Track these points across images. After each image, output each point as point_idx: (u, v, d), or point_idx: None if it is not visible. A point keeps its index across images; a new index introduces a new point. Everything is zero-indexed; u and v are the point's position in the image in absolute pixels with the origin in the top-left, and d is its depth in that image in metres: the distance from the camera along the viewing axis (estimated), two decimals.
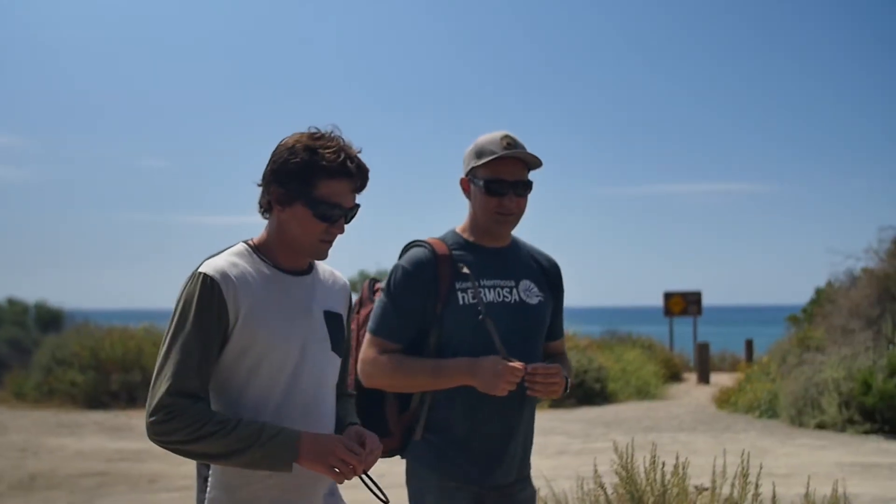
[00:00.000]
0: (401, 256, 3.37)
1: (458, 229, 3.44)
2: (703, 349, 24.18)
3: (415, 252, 3.33)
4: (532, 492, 3.44)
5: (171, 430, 2.43)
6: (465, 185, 3.39)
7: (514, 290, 3.35)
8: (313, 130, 2.65)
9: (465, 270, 3.27)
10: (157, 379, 2.48)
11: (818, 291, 20.77)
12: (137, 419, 15.46)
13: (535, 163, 3.34)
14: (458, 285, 3.26)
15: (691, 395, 21.11)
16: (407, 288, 3.26)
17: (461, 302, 3.25)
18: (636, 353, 22.92)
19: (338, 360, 2.79)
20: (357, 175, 2.64)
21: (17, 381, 18.25)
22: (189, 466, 10.50)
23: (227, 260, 2.62)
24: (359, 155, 2.66)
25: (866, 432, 13.29)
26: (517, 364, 3.11)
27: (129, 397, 17.23)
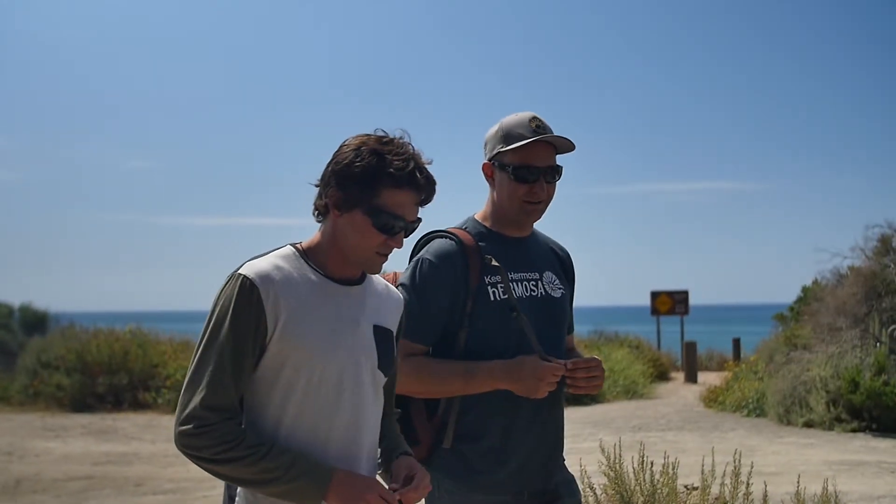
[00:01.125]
0: (418, 249, 3.14)
1: (478, 217, 3.20)
2: (690, 348, 24.21)
3: (440, 244, 3.07)
4: (578, 496, 3.22)
5: (200, 445, 2.29)
6: (489, 170, 3.15)
7: (540, 283, 3.15)
8: (380, 133, 2.47)
9: (495, 263, 3.02)
10: (189, 386, 2.33)
11: (805, 290, 20.82)
12: (124, 422, 15.42)
13: (566, 147, 3.11)
14: (487, 279, 3.03)
15: (679, 394, 21.12)
16: (434, 283, 2.99)
17: (492, 298, 3.01)
18: (623, 352, 22.91)
19: (383, 380, 2.59)
20: (424, 187, 2.46)
21: (2, 385, 18.12)
22: (175, 469, 10.51)
23: (270, 262, 2.44)
24: (428, 166, 2.48)
25: (854, 430, 13.31)
26: (557, 363, 2.91)
27: (116, 400, 17.15)
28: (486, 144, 3.16)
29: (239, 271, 2.40)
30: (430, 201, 2.51)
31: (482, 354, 2.96)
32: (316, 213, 2.53)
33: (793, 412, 14.42)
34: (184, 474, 10.49)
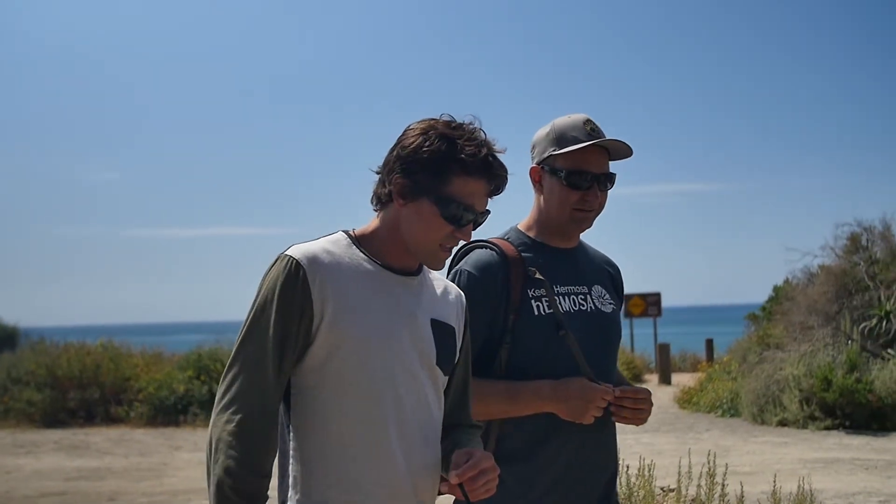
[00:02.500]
0: (457, 260, 2.90)
1: (521, 227, 2.97)
2: (663, 350, 24.27)
3: (480, 254, 2.84)
4: None
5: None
6: (537, 175, 2.91)
7: (589, 297, 2.91)
8: (447, 118, 2.29)
9: (539, 276, 2.80)
10: (228, 369, 2.19)
11: (776, 289, 20.95)
12: (96, 436, 15.27)
13: (622, 153, 2.90)
14: (530, 292, 2.80)
15: (653, 395, 21.06)
16: (474, 296, 2.70)
17: (536, 312, 2.77)
18: None
19: (443, 378, 2.40)
20: (497, 176, 2.28)
21: None
22: (149, 483, 10.37)
23: (320, 245, 2.27)
24: (500, 154, 2.30)
25: (827, 428, 13.39)
26: (606, 387, 2.70)
27: (88, 414, 16.98)
28: (534, 147, 2.94)
29: (286, 252, 2.24)
30: (500, 192, 2.32)
31: (525, 373, 2.74)
32: (375, 201, 2.35)
33: (767, 411, 14.49)
34: (157, 488, 10.40)
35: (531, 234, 2.94)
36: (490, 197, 2.31)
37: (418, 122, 2.30)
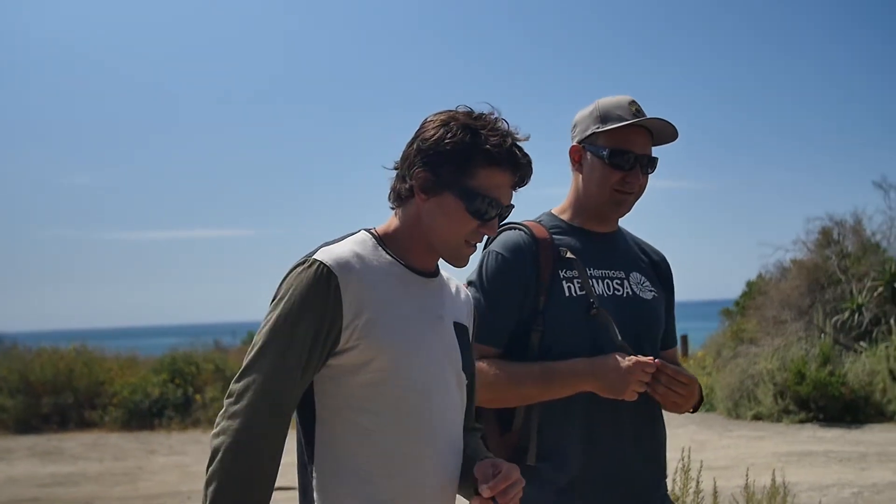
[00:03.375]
0: (486, 243, 2.77)
1: (555, 211, 2.87)
2: None
3: (509, 235, 2.74)
4: None
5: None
6: (577, 154, 2.80)
7: (626, 283, 2.79)
8: (466, 108, 2.18)
9: (570, 255, 2.69)
10: (242, 377, 2.04)
11: (750, 284, 21.03)
12: (70, 442, 15.15)
13: (666, 136, 2.81)
14: (562, 273, 2.68)
15: None
16: (504, 279, 2.66)
17: (567, 293, 2.67)
18: None
19: (465, 382, 2.30)
20: (523, 166, 2.17)
21: None
22: (123, 488, 10.30)
23: (348, 248, 2.13)
24: (524, 143, 2.19)
25: (801, 421, 13.49)
26: (647, 358, 2.53)
27: (62, 420, 16.84)
28: (575, 126, 2.83)
29: (314, 256, 2.09)
30: (525, 183, 2.22)
31: (559, 357, 2.60)
32: (394, 197, 2.23)
33: (742, 406, 14.57)
34: (132, 493, 10.34)
35: (565, 218, 2.84)
36: (514, 189, 2.20)
37: (437, 114, 2.19)
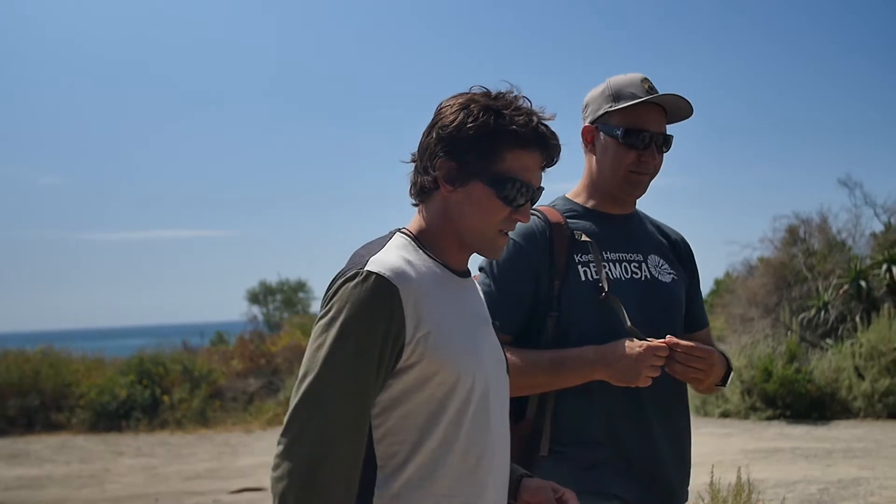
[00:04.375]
0: None
1: (569, 195, 2.77)
2: None
3: None
4: None
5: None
6: (590, 134, 2.71)
7: (644, 266, 2.69)
8: (482, 89, 2.03)
9: (585, 238, 2.60)
10: (296, 417, 1.85)
11: (717, 282, 21.20)
12: (36, 444, 15.04)
13: (681, 113, 2.72)
14: (576, 258, 2.59)
15: None
16: (517, 264, 2.55)
17: (582, 278, 2.57)
18: None
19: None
20: (552, 146, 2.02)
21: None
22: (91, 490, 10.19)
23: (398, 256, 1.96)
24: (550, 122, 2.04)
25: (769, 418, 13.58)
26: (657, 342, 2.43)
27: (28, 422, 16.73)
28: (586, 106, 2.74)
29: (367, 268, 1.90)
30: (554, 163, 2.06)
31: (574, 343, 2.51)
32: (415, 192, 2.07)
33: (709, 403, 14.64)
34: (99, 495, 10.26)
35: (580, 201, 2.74)
36: (543, 170, 2.06)
37: (452, 98, 2.03)
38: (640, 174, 2.65)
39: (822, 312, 15.93)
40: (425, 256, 2.01)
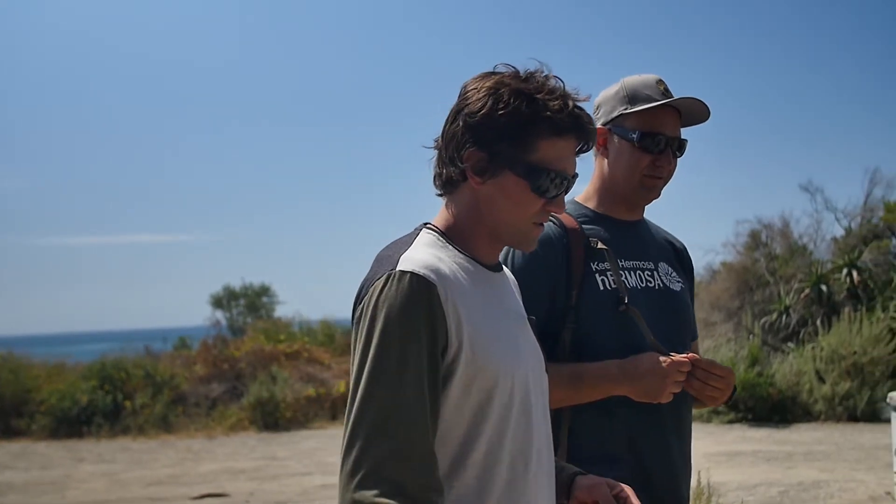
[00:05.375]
0: None
1: (579, 199, 2.67)
2: None
3: None
4: None
5: None
6: (602, 136, 2.60)
7: (656, 274, 2.61)
8: (509, 69, 1.87)
9: (602, 246, 2.48)
10: (358, 435, 1.67)
11: None
12: None
13: (698, 117, 2.63)
14: (593, 266, 2.48)
15: None
16: (533, 272, 2.39)
17: (600, 287, 2.46)
18: None
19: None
20: (589, 131, 1.88)
21: None
22: (51, 497, 10.08)
23: (429, 252, 1.82)
24: (584, 104, 1.89)
25: (731, 422, 13.68)
26: (681, 357, 2.35)
27: None
28: (598, 107, 2.64)
29: (398, 268, 1.75)
30: (589, 149, 1.92)
31: (593, 356, 2.40)
32: (440, 183, 1.92)
33: None
34: (59, 501, 10.16)
35: (591, 206, 2.64)
36: (577, 155, 1.92)
37: (479, 80, 1.87)
38: (655, 179, 2.57)
39: (784, 316, 16.09)
40: (455, 252, 1.88)
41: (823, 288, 16.10)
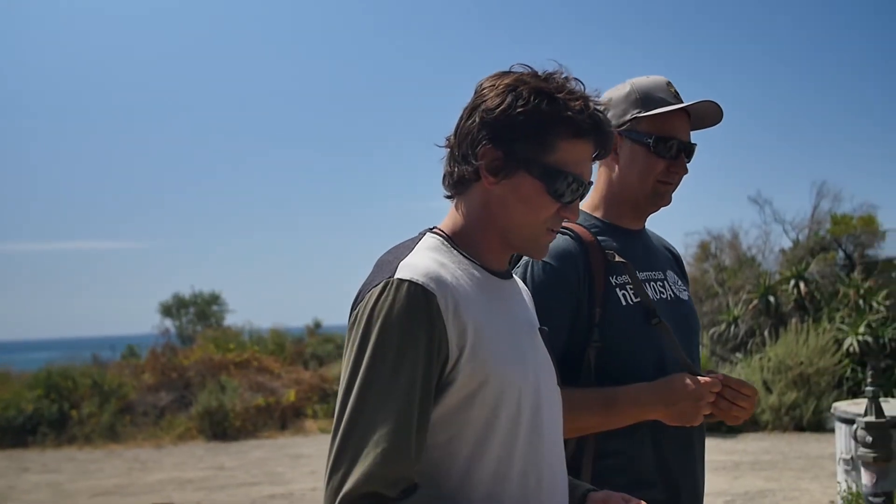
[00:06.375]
0: None
1: (585, 207, 2.52)
2: None
3: (555, 240, 2.25)
4: None
5: None
6: (615, 140, 2.43)
7: (666, 284, 2.51)
8: (527, 69, 1.81)
9: (620, 259, 2.36)
10: (345, 449, 1.60)
11: None
12: None
13: (709, 120, 2.53)
14: (613, 280, 2.35)
15: None
16: (554, 293, 2.25)
17: (623, 302, 2.33)
18: None
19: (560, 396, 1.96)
20: (609, 136, 1.82)
21: None
22: None
23: (431, 258, 1.74)
24: (603, 108, 1.83)
25: None
26: (711, 379, 2.25)
27: None
28: (610, 107, 2.50)
29: (396, 276, 1.68)
30: (605, 156, 1.86)
31: (620, 376, 2.27)
32: (451, 183, 1.85)
33: None
34: None
35: (599, 215, 2.51)
36: (593, 162, 1.86)
37: (495, 78, 1.81)
38: (668, 185, 2.47)
39: (733, 327, 16.25)
40: (460, 257, 1.80)
41: (771, 299, 16.29)
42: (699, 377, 2.24)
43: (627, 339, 2.31)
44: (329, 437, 1.66)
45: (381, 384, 1.61)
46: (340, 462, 1.59)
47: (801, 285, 16.24)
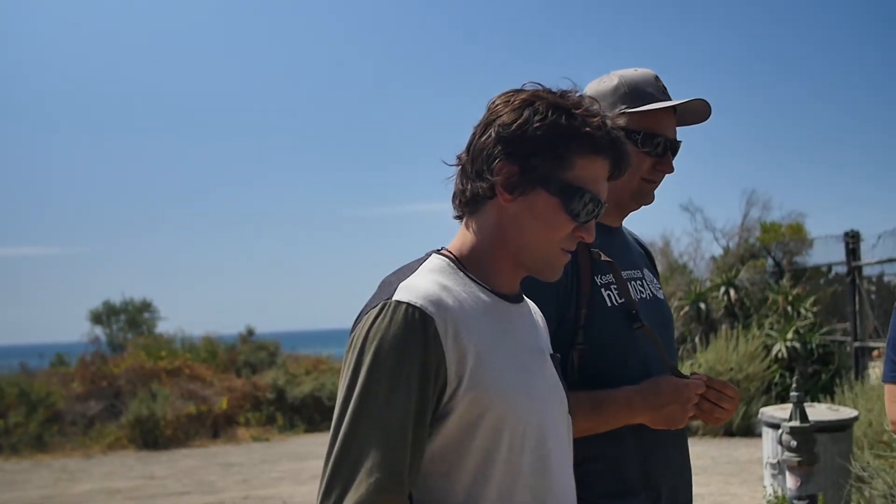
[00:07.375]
0: None
1: None
2: None
3: None
4: None
5: None
6: None
7: (645, 283, 2.45)
8: (540, 87, 1.77)
9: (605, 258, 2.29)
10: (337, 474, 1.55)
11: None
12: None
13: (698, 117, 2.46)
14: (598, 280, 2.28)
15: None
16: (540, 294, 2.12)
17: (608, 303, 2.27)
18: None
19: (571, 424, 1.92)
20: (626, 156, 1.79)
21: None
22: None
23: (432, 280, 1.69)
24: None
25: None
26: (697, 380, 2.22)
27: None
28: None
29: (395, 297, 1.64)
30: (620, 175, 1.82)
31: (605, 378, 2.22)
32: (463, 201, 1.80)
33: None
34: None
35: None
36: (608, 181, 1.81)
37: (510, 94, 1.77)
38: (652, 183, 2.43)
39: None
40: (467, 280, 1.75)
41: (702, 306, 16.48)
42: (683, 380, 2.22)
43: (612, 341, 2.26)
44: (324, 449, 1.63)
45: (374, 410, 1.57)
46: (332, 489, 1.54)
47: (732, 292, 16.46)
